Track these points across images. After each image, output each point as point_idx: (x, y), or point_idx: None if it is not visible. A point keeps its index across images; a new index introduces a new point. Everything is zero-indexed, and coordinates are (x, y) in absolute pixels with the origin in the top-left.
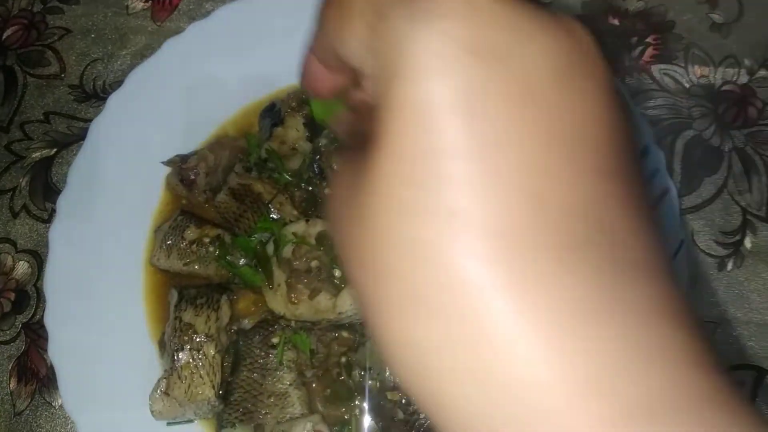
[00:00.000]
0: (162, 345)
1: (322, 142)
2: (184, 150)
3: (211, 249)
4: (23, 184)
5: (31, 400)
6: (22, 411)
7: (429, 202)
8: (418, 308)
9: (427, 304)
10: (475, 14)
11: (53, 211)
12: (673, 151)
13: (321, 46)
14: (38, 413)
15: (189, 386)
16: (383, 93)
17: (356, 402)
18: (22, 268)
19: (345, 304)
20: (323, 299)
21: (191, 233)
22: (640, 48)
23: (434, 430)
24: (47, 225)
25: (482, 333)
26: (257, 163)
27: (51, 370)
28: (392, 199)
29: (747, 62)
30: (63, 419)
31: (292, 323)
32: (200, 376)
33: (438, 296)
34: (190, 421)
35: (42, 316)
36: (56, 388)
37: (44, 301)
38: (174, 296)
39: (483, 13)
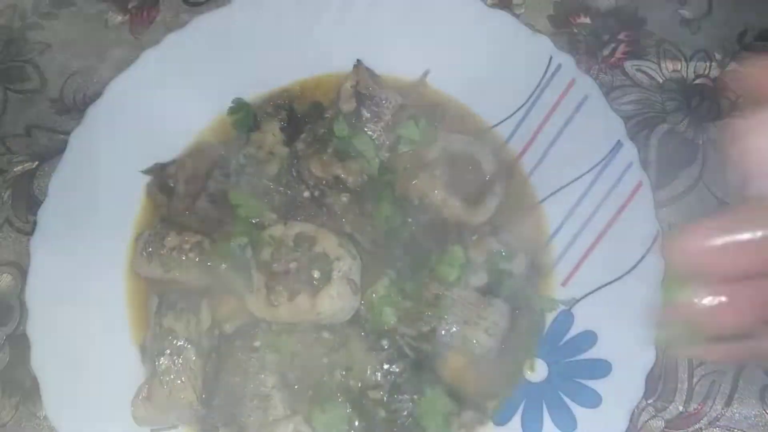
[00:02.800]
0: (144, 350)
1: (300, 146)
2: (164, 159)
3: (191, 255)
4: (6, 197)
5: (16, 412)
6: (6, 423)
7: None
8: None
9: None
10: None
11: (36, 223)
12: (647, 144)
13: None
14: (22, 425)
15: (171, 391)
16: None
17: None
18: (5, 280)
19: (324, 304)
20: (302, 300)
21: (171, 240)
22: (612, 45)
23: (414, 428)
24: (30, 237)
25: None
26: (236, 169)
27: (35, 381)
28: None
29: (718, 56)
30: (48, 430)
31: (273, 326)
32: (181, 381)
33: None
34: (174, 427)
35: (25, 329)
36: (40, 399)
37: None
38: (154, 302)
39: None
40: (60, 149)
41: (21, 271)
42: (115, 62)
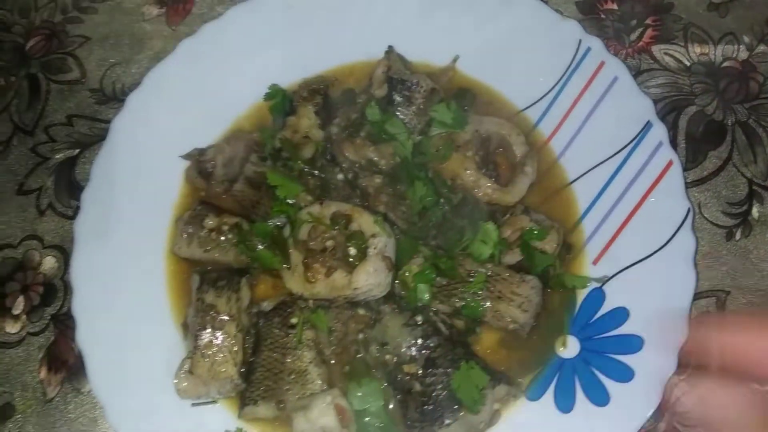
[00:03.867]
0: (185, 327)
1: (334, 129)
2: (201, 144)
3: (230, 236)
4: (48, 183)
5: (61, 388)
6: (53, 398)
7: None
8: None
9: None
10: None
11: (78, 207)
12: (677, 127)
13: None
14: (67, 400)
15: (212, 365)
16: None
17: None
18: (50, 263)
19: (360, 280)
20: (339, 277)
21: (210, 222)
22: (640, 30)
23: (449, 401)
24: (72, 221)
25: None
26: (272, 153)
27: (79, 358)
28: None
29: (746, 39)
30: (91, 405)
31: (310, 303)
32: (222, 355)
33: None
34: (214, 401)
35: (69, 307)
36: (84, 375)
37: (72, 293)
38: (196, 280)
39: None
40: (100, 137)
41: (64, 253)
42: (152, 53)
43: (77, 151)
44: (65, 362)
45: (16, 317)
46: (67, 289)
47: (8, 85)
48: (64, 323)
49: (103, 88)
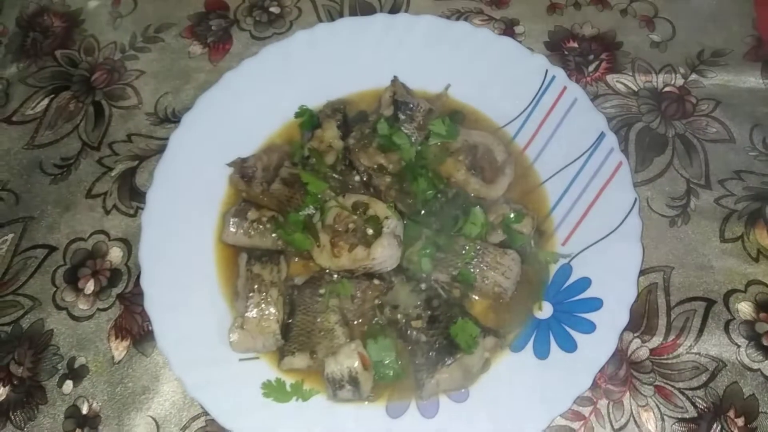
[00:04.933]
0: (235, 293)
1: (351, 141)
2: (242, 155)
3: (268, 226)
4: (113, 188)
5: (127, 352)
6: (120, 361)
7: None
8: None
9: None
10: None
11: (138, 208)
12: (628, 139)
13: None
14: (133, 362)
15: (259, 321)
16: None
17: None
18: (115, 252)
19: (377, 252)
20: (359, 251)
21: (252, 214)
22: (596, 63)
23: (449, 348)
24: (134, 218)
25: None
26: (301, 159)
27: (141, 328)
28: None
29: (681, 69)
30: (153, 365)
31: (335, 277)
32: (268, 313)
33: None
34: (256, 357)
35: (131, 289)
36: (147, 341)
37: (134, 277)
38: (244, 257)
39: None
40: (156, 151)
41: (127, 244)
42: (197, 84)
43: (137, 162)
44: (130, 331)
45: (88, 296)
46: (131, 273)
47: (77, 110)
48: (129, 300)
49: (157, 112)
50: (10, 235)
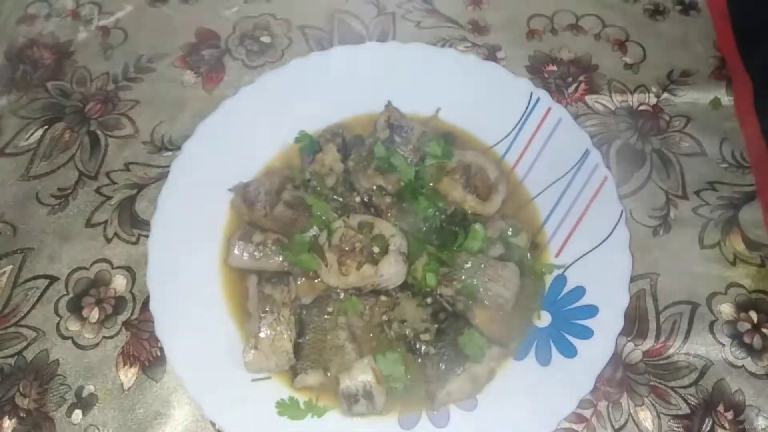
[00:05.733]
0: (246, 314)
1: (350, 164)
2: (242, 180)
3: (273, 248)
4: (113, 217)
5: (136, 379)
6: (129, 388)
7: None
8: None
9: None
10: None
11: (140, 235)
12: (608, 155)
13: None
14: (143, 388)
15: (273, 341)
16: None
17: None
18: (119, 280)
19: (384, 269)
20: (367, 269)
21: (257, 237)
22: (575, 85)
23: (456, 357)
24: (135, 246)
25: None
26: (302, 182)
27: (150, 354)
28: None
29: (654, 89)
30: (164, 391)
31: (341, 295)
32: (281, 332)
33: None
34: (268, 377)
35: (137, 316)
36: (156, 366)
37: (139, 304)
38: (254, 279)
39: None
40: (155, 179)
41: (131, 272)
42: (193, 112)
43: (135, 191)
44: (138, 357)
45: (93, 324)
46: (136, 300)
47: (72, 140)
48: (136, 326)
49: (153, 141)
50: (9, 267)
